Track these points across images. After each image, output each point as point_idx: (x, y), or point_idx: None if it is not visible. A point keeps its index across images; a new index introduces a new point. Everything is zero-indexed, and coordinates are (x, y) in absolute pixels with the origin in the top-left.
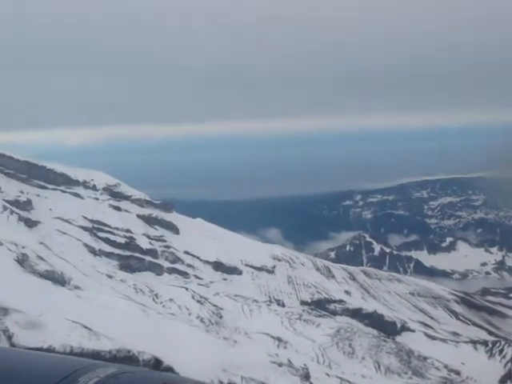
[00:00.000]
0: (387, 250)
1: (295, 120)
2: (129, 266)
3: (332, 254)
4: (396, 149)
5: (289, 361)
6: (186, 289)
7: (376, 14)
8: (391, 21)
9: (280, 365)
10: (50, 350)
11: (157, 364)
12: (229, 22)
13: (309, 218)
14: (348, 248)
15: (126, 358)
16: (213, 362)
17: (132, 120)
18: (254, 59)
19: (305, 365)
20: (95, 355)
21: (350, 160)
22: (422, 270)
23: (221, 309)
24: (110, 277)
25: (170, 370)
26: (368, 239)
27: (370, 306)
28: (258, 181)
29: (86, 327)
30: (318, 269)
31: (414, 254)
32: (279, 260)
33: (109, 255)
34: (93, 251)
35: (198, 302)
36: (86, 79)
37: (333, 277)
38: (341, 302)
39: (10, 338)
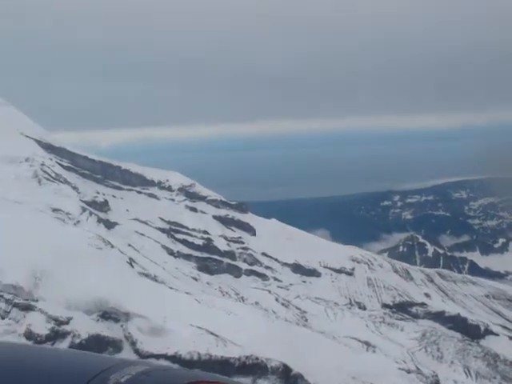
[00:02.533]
0: (441, 252)
1: (331, 120)
2: (207, 268)
3: (385, 256)
4: (429, 149)
5: (417, 368)
6: (269, 291)
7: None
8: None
9: (408, 371)
10: (175, 356)
11: (286, 371)
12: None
13: (352, 219)
14: (401, 249)
15: (255, 366)
16: (342, 370)
17: (194, 119)
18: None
19: (434, 372)
20: (224, 363)
21: (386, 160)
22: (476, 271)
23: (304, 312)
24: (195, 279)
25: (299, 377)
26: (421, 240)
27: (451, 308)
28: (292, 181)
29: (211, 333)
30: (396, 271)
31: (467, 255)
32: (358, 262)
33: (187, 257)
34: (171, 253)
35: (283, 305)
36: (151, 81)
37: (411, 279)
38: (422, 305)
39: (133, 344)
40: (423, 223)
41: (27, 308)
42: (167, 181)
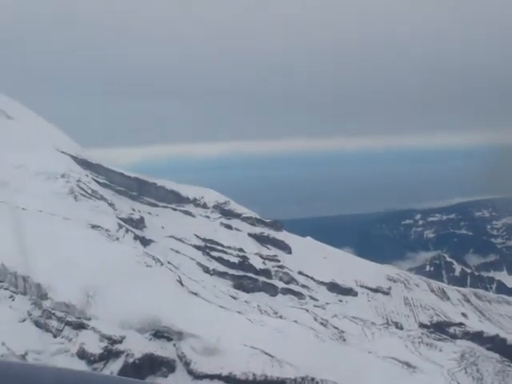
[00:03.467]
0: (468, 271)
1: (350, 138)
2: (242, 286)
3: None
4: (450, 167)
5: None
6: (307, 310)
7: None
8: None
9: None
10: (229, 377)
11: None
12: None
13: (375, 237)
14: (428, 268)
15: None
16: None
17: (222, 137)
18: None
19: None
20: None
21: (406, 178)
22: (504, 290)
23: (342, 331)
24: (234, 298)
25: None
26: (448, 259)
27: (488, 329)
28: (312, 199)
29: (266, 353)
30: (432, 290)
31: (494, 274)
32: (394, 281)
33: (222, 275)
34: (207, 271)
35: (322, 324)
36: (180, 98)
37: (448, 298)
38: (460, 325)
39: (187, 364)
40: (446, 242)
41: (80, 326)
42: (202, 198)
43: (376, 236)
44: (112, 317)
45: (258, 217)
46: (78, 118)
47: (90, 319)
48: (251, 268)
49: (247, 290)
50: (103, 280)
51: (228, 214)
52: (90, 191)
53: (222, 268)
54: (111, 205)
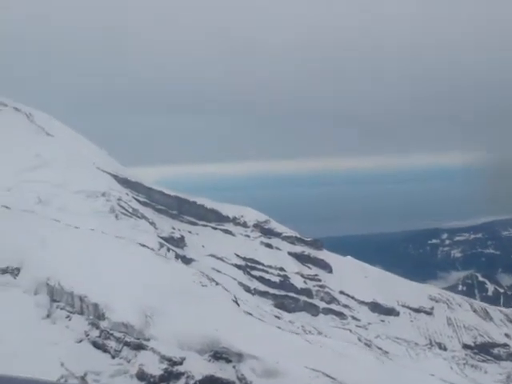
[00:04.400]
0: (501, 290)
1: (374, 158)
2: (283, 305)
3: None
4: (474, 186)
5: None
6: (350, 330)
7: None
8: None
9: None
10: None
11: None
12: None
13: (402, 257)
14: (460, 288)
15: None
16: None
17: (256, 155)
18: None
19: None
20: None
21: (431, 197)
22: None
23: (386, 352)
24: (278, 317)
25: None
26: (480, 279)
27: None
28: (336, 218)
29: (327, 375)
30: (475, 310)
31: None
32: (436, 301)
33: (263, 294)
34: (248, 290)
35: (366, 344)
36: (220, 118)
37: (491, 319)
38: (504, 346)
39: None
40: (474, 261)
41: (139, 347)
42: (242, 217)
43: (404, 255)
44: (171, 337)
45: (298, 235)
46: (113, 136)
47: (148, 340)
48: (292, 287)
49: (288, 310)
50: (160, 300)
51: (268, 232)
52: (130, 210)
53: (262, 287)
54: (152, 223)
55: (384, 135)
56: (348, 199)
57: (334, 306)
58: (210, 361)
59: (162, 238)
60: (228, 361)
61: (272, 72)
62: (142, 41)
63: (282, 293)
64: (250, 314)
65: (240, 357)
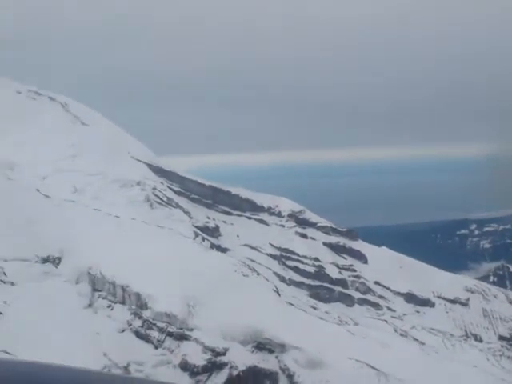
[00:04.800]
0: None
1: (403, 147)
2: (318, 296)
3: None
4: (502, 177)
5: None
6: (386, 321)
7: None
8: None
9: None
10: None
11: None
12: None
13: (430, 247)
14: (492, 279)
15: None
16: None
17: (286, 146)
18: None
19: None
20: None
21: (460, 188)
22: None
23: (422, 343)
24: (314, 308)
25: None
26: None
27: None
28: (363, 208)
29: (371, 367)
30: (511, 302)
31: None
32: (472, 292)
33: (298, 284)
34: (283, 280)
35: (401, 335)
36: (253, 110)
37: None
38: None
39: (290, 376)
40: (503, 252)
41: (182, 337)
42: (277, 206)
43: (432, 246)
44: (214, 328)
45: (333, 226)
46: (146, 126)
47: (192, 330)
48: (327, 278)
49: (323, 300)
50: (203, 289)
51: (303, 222)
52: (165, 199)
53: (297, 278)
54: (187, 213)
55: (411, 126)
56: (374, 189)
57: (369, 297)
58: (252, 351)
59: (196, 227)
60: (271, 351)
61: (297, 66)
62: (173, 34)
63: (317, 283)
64: (292, 305)
65: (283, 347)
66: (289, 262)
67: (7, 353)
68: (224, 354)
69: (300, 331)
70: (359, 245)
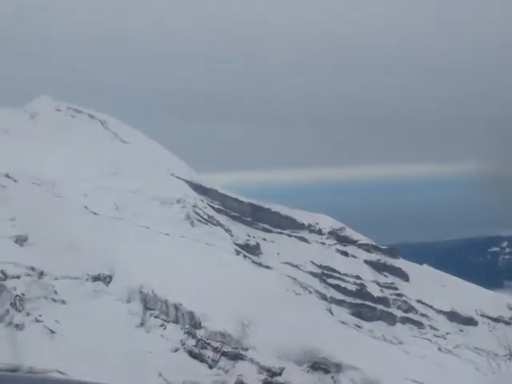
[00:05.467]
0: None
1: (434, 164)
2: (360, 314)
3: None
4: None
5: None
6: (430, 340)
7: None
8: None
9: None
10: None
11: None
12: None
13: (463, 265)
14: None
15: None
16: None
17: (321, 162)
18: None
19: None
20: None
21: (491, 205)
22: None
23: (475, 363)
24: (358, 326)
25: None
26: None
27: None
28: (394, 225)
29: None
30: None
31: None
32: None
33: (340, 303)
34: (325, 298)
35: (453, 355)
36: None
37: None
38: None
39: None
40: None
41: (237, 357)
42: (317, 224)
43: (464, 263)
44: (269, 347)
45: (374, 243)
46: (180, 143)
47: (247, 349)
48: (369, 296)
49: (366, 319)
50: (256, 308)
51: (343, 240)
52: (206, 216)
53: (339, 296)
54: (228, 230)
55: (442, 142)
56: (406, 206)
57: (411, 315)
58: (308, 371)
59: (237, 245)
60: (326, 371)
61: (342, 80)
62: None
63: (359, 301)
64: (345, 324)
65: (339, 367)
66: (330, 280)
67: (60, 372)
68: (280, 374)
69: (355, 350)
70: (401, 263)
